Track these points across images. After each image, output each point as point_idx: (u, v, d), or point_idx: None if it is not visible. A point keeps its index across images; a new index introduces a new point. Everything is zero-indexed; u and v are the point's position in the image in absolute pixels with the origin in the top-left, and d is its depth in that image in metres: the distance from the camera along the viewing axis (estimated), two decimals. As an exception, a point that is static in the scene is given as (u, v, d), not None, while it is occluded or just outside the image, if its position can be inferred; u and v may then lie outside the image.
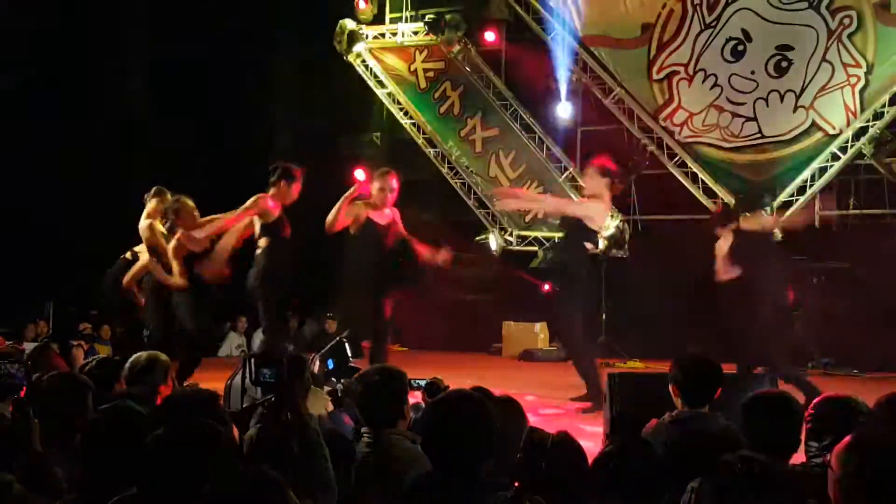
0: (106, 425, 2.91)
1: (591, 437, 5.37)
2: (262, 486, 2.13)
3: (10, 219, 10.55)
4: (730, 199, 10.17)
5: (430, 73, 12.09)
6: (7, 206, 10.43)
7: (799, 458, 3.23)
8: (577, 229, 7.15)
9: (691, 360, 3.79)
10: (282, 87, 12.70)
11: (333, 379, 4.22)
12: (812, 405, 3.45)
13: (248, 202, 6.74)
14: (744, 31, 10.10)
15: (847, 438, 2.48)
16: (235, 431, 3.66)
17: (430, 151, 12.01)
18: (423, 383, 4.42)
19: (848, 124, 9.71)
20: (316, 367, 4.70)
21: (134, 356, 4.36)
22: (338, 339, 4.46)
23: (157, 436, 2.45)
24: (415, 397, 4.38)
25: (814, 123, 9.86)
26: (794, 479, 2.42)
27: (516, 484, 2.66)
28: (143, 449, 2.44)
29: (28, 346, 6.54)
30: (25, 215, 10.52)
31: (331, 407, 3.93)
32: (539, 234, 11.47)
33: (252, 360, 3.28)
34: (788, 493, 2.32)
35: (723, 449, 2.57)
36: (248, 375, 3.27)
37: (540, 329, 11.13)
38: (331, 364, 4.07)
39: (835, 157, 9.85)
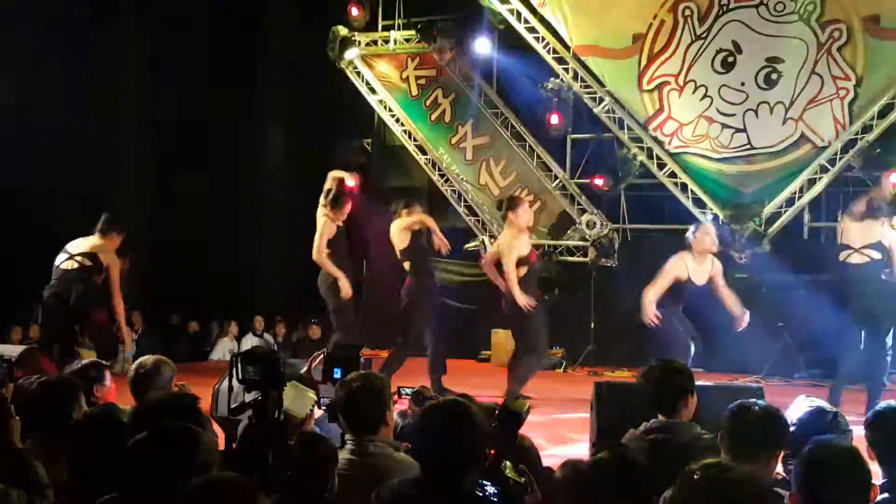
0: (89, 429, 2.92)
1: (577, 445, 5.39)
2: (231, 492, 2.13)
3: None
4: (719, 210, 10.21)
5: (422, 81, 12.11)
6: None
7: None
8: None
9: (652, 369, 3.81)
10: (273, 92, 12.70)
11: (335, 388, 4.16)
12: (797, 419, 3.48)
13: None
14: (734, 43, 10.15)
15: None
16: (221, 436, 3.66)
17: (421, 158, 12.02)
18: (409, 391, 4.41)
19: (837, 137, 9.76)
20: (313, 370, 4.68)
21: (140, 359, 4.40)
22: (354, 351, 4.41)
23: (138, 439, 2.46)
24: (402, 404, 4.39)
25: (803, 135, 9.91)
26: (762, 486, 2.45)
27: (492, 452, 2.69)
28: (124, 452, 2.45)
29: (14, 349, 6.53)
30: (19, 217, 10.50)
31: (318, 410, 3.93)
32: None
33: (238, 359, 3.28)
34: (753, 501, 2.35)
35: (688, 459, 2.59)
36: (234, 374, 3.26)
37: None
38: (338, 373, 4.02)
39: (823, 170, 9.90)
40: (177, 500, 2.13)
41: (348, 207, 7.69)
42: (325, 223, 7.51)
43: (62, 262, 7.54)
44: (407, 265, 7.95)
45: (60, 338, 7.60)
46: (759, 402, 3.35)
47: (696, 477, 2.35)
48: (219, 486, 2.15)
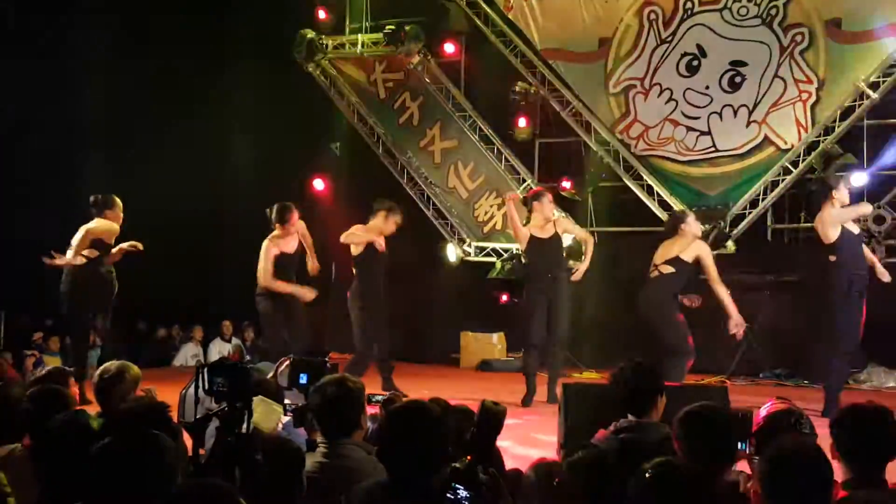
0: (59, 437, 2.89)
1: (544, 446, 5.41)
2: (214, 497, 2.14)
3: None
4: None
5: (390, 84, 12.10)
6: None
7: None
8: None
9: (623, 369, 3.85)
10: (241, 96, 12.61)
11: (301, 394, 4.15)
12: (762, 419, 3.52)
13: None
14: (698, 47, 10.27)
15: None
16: (189, 442, 3.64)
17: (390, 161, 12.00)
18: (381, 398, 4.41)
19: (799, 139, 9.89)
20: (279, 376, 4.67)
21: (104, 365, 4.38)
22: (321, 357, 4.40)
23: (102, 446, 2.45)
24: (373, 408, 4.38)
25: (766, 138, 10.04)
26: (712, 483, 2.52)
27: (468, 458, 2.72)
28: (89, 459, 2.44)
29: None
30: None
31: (285, 419, 3.91)
32: (497, 245, 11.51)
33: (205, 370, 3.25)
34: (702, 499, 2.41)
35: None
36: (200, 385, 3.24)
37: (497, 339, 11.16)
38: (304, 378, 4.01)
39: (786, 172, 10.02)
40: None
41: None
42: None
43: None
44: (355, 271, 8.07)
45: (80, 332, 7.80)
46: (708, 404, 3.38)
47: (647, 475, 2.43)
48: (202, 492, 2.16)
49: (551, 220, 7.98)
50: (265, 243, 7.90)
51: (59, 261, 7.55)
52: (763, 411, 3.73)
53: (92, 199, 7.78)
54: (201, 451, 3.37)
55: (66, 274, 7.66)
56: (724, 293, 7.37)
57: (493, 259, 11.47)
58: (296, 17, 12.15)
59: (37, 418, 3.44)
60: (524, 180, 11.38)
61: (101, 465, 2.41)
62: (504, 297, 11.56)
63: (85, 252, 7.58)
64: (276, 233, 7.88)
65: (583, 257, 8.23)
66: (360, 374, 6.84)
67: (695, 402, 3.38)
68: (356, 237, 7.94)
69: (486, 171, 11.61)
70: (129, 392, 4.22)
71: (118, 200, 7.85)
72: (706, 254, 7.45)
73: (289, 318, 7.89)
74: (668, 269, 7.37)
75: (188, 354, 11.45)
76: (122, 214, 7.85)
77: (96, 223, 7.68)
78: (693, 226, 7.50)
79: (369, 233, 7.93)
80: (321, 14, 12.11)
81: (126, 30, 11.55)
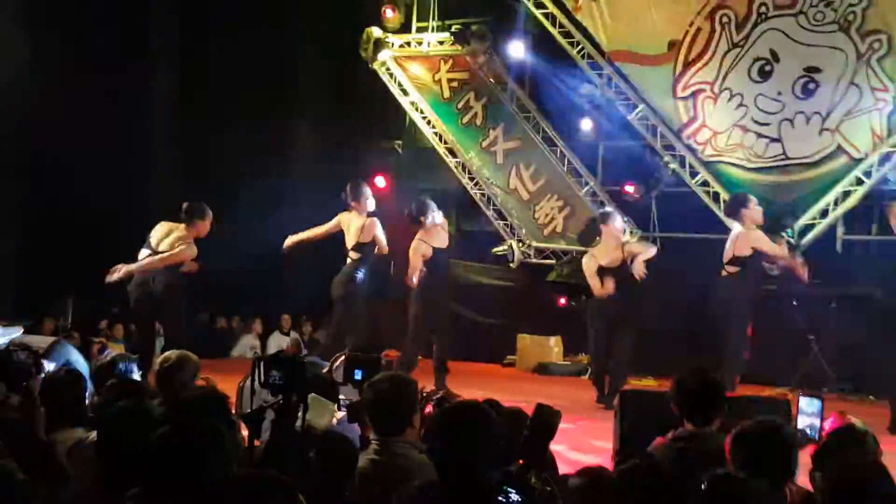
0: (121, 423, 2.94)
1: (599, 452, 5.35)
2: (271, 489, 2.18)
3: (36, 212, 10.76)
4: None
5: (455, 83, 12.08)
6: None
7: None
8: None
9: (687, 378, 3.79)
10: (306, 93, 12.75)
11: (356, 390, 4.17)
12: (825, 435, 3.43)
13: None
14: (772, 52, 10.03)
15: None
16: (246, 433, 3.69)
17: (451, 161, 12.00)
18: (434, 397, 4.41)
19: (874, 149, 9.59)
20: (334, 371, 4.69)
21: (164, 354, 4.48)
22: (376, 353, 4.43)
23: (160, 434, 2.50)
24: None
25: (839, 147, 9.75)
26: (767, 495, 2.48)
27: (520, 462, 2.71)
28: (149, 447, 2.49)
29: (44, 340, 6.58)
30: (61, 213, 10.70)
31: (339, 415, 3.92)
32: (557, 247, 11.42)
33: (262, 363, 3.29)
34: None
35: (715, 469, 2.59)
36: (257, 377, 3.28)
37: (555, 343, 11.08)
38: (359, 374, 4.03)
39: (859, 182, 9.73)
40: (221, 494, 2.18)
41: None
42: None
43: (145, 256, 7.52)
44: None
45: (145, 331, 7.73)
46: (768, 420, 3.29)
47: (703, 486, 2.42)
48: (261, 483, 2.20)
49: (620, 245, 8.06)
50: (363, 222, 8.10)
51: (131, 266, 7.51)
52: (826, 426, 3.64)
53: (186, 205, 7.63)
54: (256, 443, 3.41)
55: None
56: (785, 254, 7.66)
57: (553, 262, 11.38)
58: (362, 15, 12.23)
59: (106, 406, 3.51)
60: (586, 183, 11.27)
61: (161, 452, 2.46)
62: (562, 301, 11.48)
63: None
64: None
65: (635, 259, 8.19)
66: (408, 371, 6.87)
67: (756, 416, 3.31)
68: (416, 255, 8.09)
69: (549, 173, 11.53)
70: (189, 381, 4.30)
71: (209, 211, 7.73)
72: (761, 242, 7.48)
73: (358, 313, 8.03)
74: (732, 269, 7.42)
75: (247, 346, 11.59)
76: (209, 225, 7.78)
77: (187, 233, 7.56)
78: (754, 212, 7.51)
79: (416, 247, 8.11)
80: (388, 12, 12.15)
81: (190, 28, 11.79)
